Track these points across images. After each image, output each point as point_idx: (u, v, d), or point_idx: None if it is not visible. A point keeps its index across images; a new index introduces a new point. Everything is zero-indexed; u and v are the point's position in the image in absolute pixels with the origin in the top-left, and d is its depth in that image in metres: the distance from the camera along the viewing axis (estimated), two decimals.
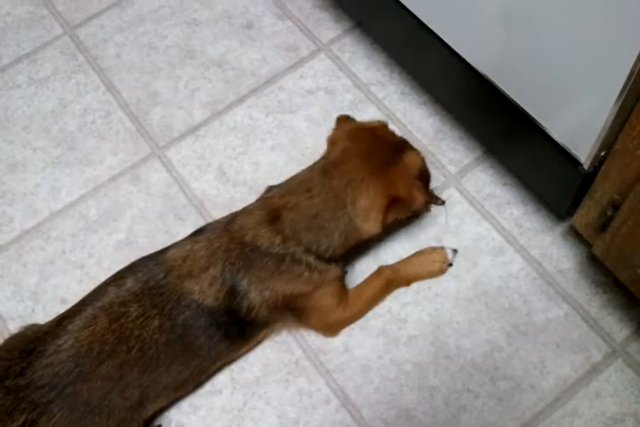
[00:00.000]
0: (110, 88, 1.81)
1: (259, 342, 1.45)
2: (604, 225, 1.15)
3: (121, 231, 1.63)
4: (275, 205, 1.20)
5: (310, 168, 1.24)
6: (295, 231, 1.18)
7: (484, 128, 1.43)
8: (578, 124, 1.09)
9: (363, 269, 1.50)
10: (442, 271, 1.45)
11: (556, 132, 1.14)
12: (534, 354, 1.37)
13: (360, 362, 1.42)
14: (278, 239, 1.18)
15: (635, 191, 1.01)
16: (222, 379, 1.45)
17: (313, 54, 1.79)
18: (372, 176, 1.19)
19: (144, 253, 1.46)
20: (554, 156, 1.17)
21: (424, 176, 1.26)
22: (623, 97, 0.95)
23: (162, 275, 1.25)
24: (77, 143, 1.75)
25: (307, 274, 1.26)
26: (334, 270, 1.30)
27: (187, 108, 1.76)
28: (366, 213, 1.19)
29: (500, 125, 1.33)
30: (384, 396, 1.39)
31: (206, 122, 1.73)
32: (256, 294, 1.24)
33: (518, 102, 1.18)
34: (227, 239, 1.20)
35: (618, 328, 1.37)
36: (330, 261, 1.28)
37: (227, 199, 1.63)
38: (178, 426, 1.41)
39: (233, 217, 1.31)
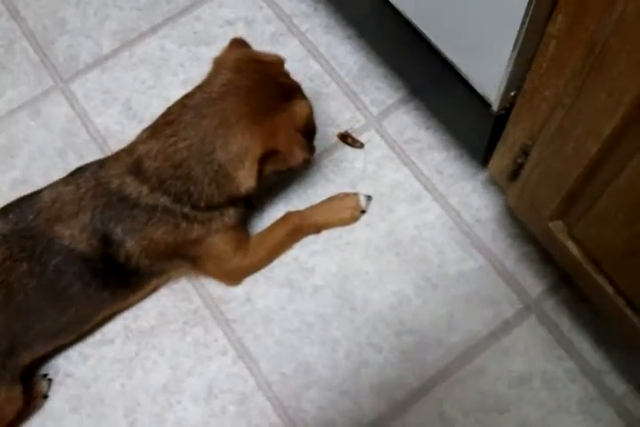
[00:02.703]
0: (15, 15, 1.66)
1: (152, 291, 1.35)
2: (515, 173, 1.07)
3: (17, 169, 1.51)
4: (138, 153, 1.09)
5: (183, 101, 1.10)
6: (161, 181, 1.08)
7: (404, 67, 1.32)
8: (485, 63, 1.01)
9: (271, 214, 1.40)
10: (354, 219, 1.36)
11: (467, 72, 1.05)
12: (443, 308, 1.29)
13: (262, 313, 1.33)
14: (145, 189, 1.08)
15: (543, 135, 0.92)
16: (114, 327, 1.35)
17: None
18: (249, 120, 1.05)
19: None
20: (467, 97, 1.09)
21: (309, 130, 1.14)
22: (523, 32, 0.87)
23: (31, 217, 1.14)
24: None
25: (184, 224, 1.15)
26: (222, 218, 1.19)
27: (95, 37, 1.62)
28: (239, 161, 1.06)
29: (417, 64, 1.23)
30: (284, 348, 1.31)
31: (115, 53, 1.60)
32: (132, 243, 1.14)
33: (430, 38, 1.08)
34: (93, 185, 1.11)
35: (533, 283, 1.29)
36: (213, 208, 1.17)
37: (131, 136, 1.47)
38: (66, 375, 1.32)
39: (104, 160, 1.20)
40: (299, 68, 1.50)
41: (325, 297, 1.31)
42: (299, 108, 1.12)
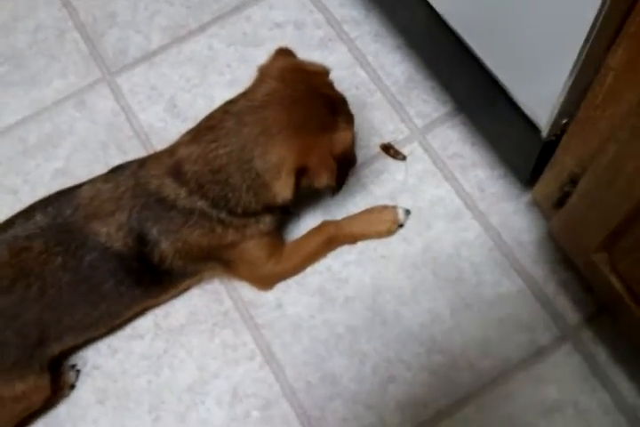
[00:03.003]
0: (67, 4, 1.67)
1: (184, 290, 1.35)
2: (560, 201, 1.04)
3: (59, 159, 1.52)
4: (179, 155, 1.09)
5: (226, 107, 1.09)
6: (199, 185, 1.07)
7: (453, 82, 1.30)
8: (538, 88, 0.98)
9: (308, 222, 1.39)
10: (390, 232, 1.35)
11: (517, 95, 1.03)
12: (477, 330, 1.27)
13: (291, 320, 1.33)
14: (183, 193, 1.08)
15: (593, 167, 0.90)
16: (145, 323, 1.36)
17: None
18: (290, 131, 1.05)
19: None
20: (515, 119, 1.06)
21: (344, 160, 1.12)
22: (581, 61, 0.85)
23: (69, 212, 1.15)
24: (26, 61, 1.62)
25: (220, 229, 1.15)
26: (258, 225, 1.18)
27: (144, 32, 1.62)
28: (276, 171, 1.06)
29: (466, 80, 1.20)
30: (311, 357, 1.30)
31: (163, 49, 1.60)
32: (167, 244, 1.14)
33: (482, 58, 1.06)
34: (132, 184, 1.11)
35: (572, 311, 1.26)
36: (249, 215, 1.17)
37: (174, 134, 1.48)
38: (93, 367, 1.33)
39: (145, 159, 1.20)
40: (345, 75, 1.49)
41: (356, 309, 1.30)
42: (341, 136, 1.11)
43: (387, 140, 1.42)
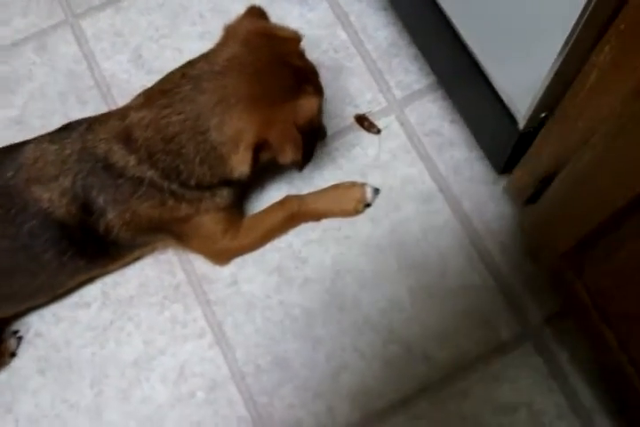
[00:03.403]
0: None
1: (135, 259, 1.28)
2: (534, 197, 0.97)
3: (14, 107, 1.43)
4: (129, 120, 1.01)
5: (185, 70, 1.01)
6: (150, 154, 1.00)
7: (434, 54, 1.20)
8: (518, 77, 0.90)
9: (271, 194, 1.31)
10: (357, 211, 1.27)
11: (497, 82, 0.95)
12: (437, 321, 1.21)
13: (246, 298, 1.27)
14: (132, 160, 1.01)
15: (568, 170, 0.82)
16: (92, 292, 1.29)
17: None
18: (249, 103, 0.97)
19: (34, 135, 1.27)
20: (493, 106, 0.98)
21: (311, 130, 1.03)
22: (565, 53, 0.77)
23: (11, 173, 1.07)
24: None
25: (171, 202, 1.07)
26: (214, 199, 1.11)
27: None
28: (233, 145, 0.99)
29: (447, 56, 1.10)
30: (263, 339, 1.24)
31: None
32: (114, 214, 1.06)
33: (464, 37, 0.97)
34: (79, 147, 1.03)
35: (536, 309, 1.20)
36: (204, 188, 1.10)
37: (137, 87, 1.38)
38: (36, 334, 1.27)
39: (94, 120, 1.12)
40: (324, 35, 1.38)
41: (314, 291, 1.24)
42: (305, 104, 1.01)
43: (362, 110, 1.33)
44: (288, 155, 1.01)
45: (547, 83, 0.82)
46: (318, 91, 1.06)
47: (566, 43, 0.75)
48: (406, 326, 1.20)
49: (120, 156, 1.04)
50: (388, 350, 1.19)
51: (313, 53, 1.33)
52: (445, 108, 1.29)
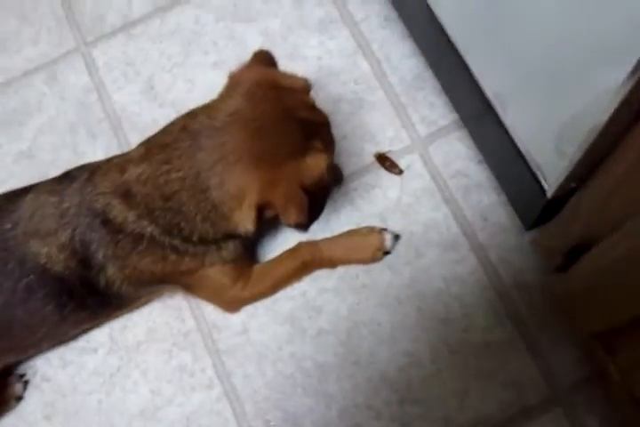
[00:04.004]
0: None
1: (143, 305, 1.23)
2: (565, 265, 0.88)
3: (24, 140, 1.39)
4: (127, 174, 0.96)
5: (185, 122, 0.95)
6: (149, 210, 0.95)
7: (456, 94, 1.11)
8: (544, 142, 0.80)
9: (285, 239, 1.24)
10: (374, 259, 1.19)
11: (521, 141, 0.86)
12: (459, 380, 1.13)
13: (256, 348, 1.20)
14: (132, 216, 0.96)
15: (599, 251, 0.73)
16: (100, 337, 1.24)
17: None
18: (250, 161, 0.91)
19: (43, 169, 1.29)
20: (519, 164, 0.89)
21: (317, 190, 0.94)
22: (605, 123, 0.67)
23: (9, 226, 1.02)
24: None
25: (173, 257, 1.01)
26: (220, 253, 1.04)
27: None
28: (236, 203, 0.94)
29: (469, 100, 1.02)
30: (274, 393, 1.18)
31: (145, 18, 1.42)
32: (114, 270, 1.01)
33: (483, 86, 0.87)
34: (78, 201, 0.99)
35: (567, 371, 1.10)
36: (208, 243, 1.04)
37: (149, 121, 1.36)
38: (43, 379, 1.23)
39: (95, 171, 1.06)
40: (344, 66, 1.29)
41: (328, 344, 1.17)
42: (312, 162, 0.93)
43: (383, 148, 1.24)
44: (292, 218, 0.93)
45: (580, 154, 0.72)
46: (329, 145, 0.98)
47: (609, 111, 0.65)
48: (425, 385, 1.12)
49: (119, 211, 0.99)
50: (405, 410, 1.12)
51: (332, 85, 1.25)
52: (473, 148, 1.20)
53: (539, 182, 0.85)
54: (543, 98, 0.79)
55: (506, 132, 0.91)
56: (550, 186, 0.82)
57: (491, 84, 0.88)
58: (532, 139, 0.87)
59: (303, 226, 0.96)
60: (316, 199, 0.94)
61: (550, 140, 0.80)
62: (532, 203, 0.92)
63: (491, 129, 0.94)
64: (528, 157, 0.88)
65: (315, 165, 0.92)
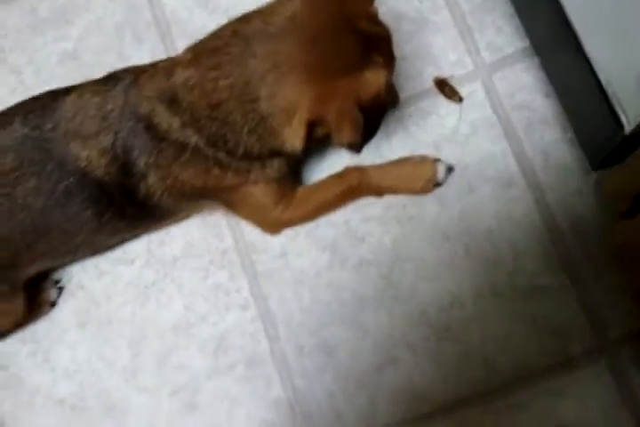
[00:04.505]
0: None
1: (182, 219, 1.20)
2: (632, 211, 0.81)
3: (70, 40, 1.33)
4: (174, 79, 0.93)
5: (237, 26, 0.90)
6: (195, 118, 0.91)
7: (532, 18, 1.02)
8: (627, 67, 0.73)
9: (333, 163, 1.19)
10: (425, 191, 1.13)
11: (601, 67, 0.79)
12: (501, 324, 1.09)
13: (294, 273, 1.17)
14: (176, 123, 0.93)
15: None
16: (137, 248, 1.22)
17: None
18: (305, 73, 0.85)
19: (87, 72, 1.17)
20: (595, 95, 0.82)
21: (376, 107, 0.89)
22: None
23: (50, 125, 0.99)
24: None
25: (217, 171, 0.98)
26: (264, 170, 1.00)
27: None
28: (285, 118, 0.89)
29: (547, 25, 0.93)
30: (309, 320, 1.15)
31: None
32: (155, 179, 0.98)
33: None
34: (121, 103, 0.96)
35: (617, 322, 1.05)
36: (253, 158, 0.99)
37: (198, 27, 1.29)
38: (77, 286, 1.22)
39: (140, 73, 1.00)
40: None
41: (369, 275, 1.13)
42: (370, 78, 0.87)
43: (444, 73, 1.16)
44: (345, 136, 0.88)
45: None
46: (389, 61, 0.91)
47: None
48: (465, 326, 1.09)
49: (163, 117, 0.95)
50: (442, 348, 1.09)
51: (395, 1, 1.16)
52: (541, 80, 1.11)
53: (616, 116, 0.78)
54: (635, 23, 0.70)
55: (587, 60, 0.83)
56: (630, 120, 0.75)
57: (576, 3, 0.79)
58: (615, 69, 0.79)
59: (356, 146, 0.90)
60: (371, 118, 0.88)
61: (635, 71, 0.72)
62: (604, 140, 0.85)
63: (568, 58, 0.86)
64: (608, 89, 0.80)
65: (373, 80, 0.86)
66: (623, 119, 0.78)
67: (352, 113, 0.86)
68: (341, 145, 0.90)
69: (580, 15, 0.81)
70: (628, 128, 0.77)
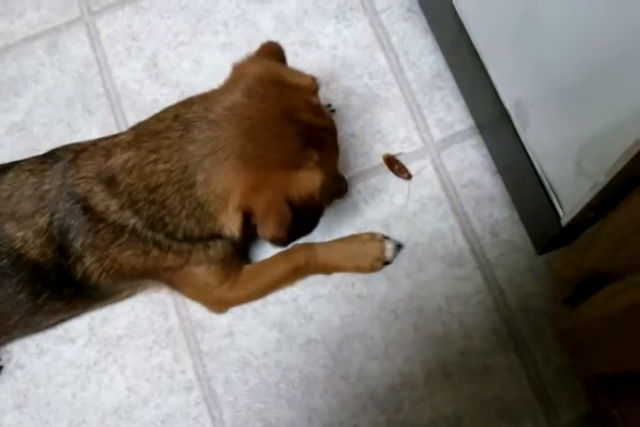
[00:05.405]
0: None
1: (125, 298, 1.18)
2: (574, 299, 0.81)
3: (19, 111, 1.32)
4: (113, 160, 0.91)
5: (179, 110, 0.89)
6: (133, 201, 0.89)
7: (474, 100, 1.03)
8: (564, 169, 0.73)
9: None
10: (373, 269, 1.11)
11: (538, 163, 0.78)
12: (452, 405, 1.06)
13: (241, 353, 1.14)
14: (114, 205, 0.91)
15: (614, 289, 0.66)
16: (79, 327, 1.18)
17: None
18: (240, 161, 0.83)
19: (35, 143, 1.27)
20: (535, 187, 0.81)
21: (308, 206, 0.86)
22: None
23: None
24: None
25: (156, 252, 0.95)
26: (207, 251, 0.98)
27: None
28: (222, 204, 0.87)
29: (490, 114, 0.94)
30: (255, 402, 1.11)
31: None
32: (92, 260, 0.96)
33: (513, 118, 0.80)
34: (59, 184, 0.94)
35: (567, 405, 1.03)
36: (194, 241, 0.98)
37: (148, 101, 1.29)
38: (17, 366, 1.17)
39: (79, 153, 0.99)
40: (360, 57, 1.21)
41: (317, 355, 1.10)
42: (303, 179, 0.85)
43: (393, 150, 1.16)
44: (268, 230, 0.86)
45: (604, 180, 0.64)
46: (330, 155, 0.90)
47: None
48: (416, 408, 1.05)
49: (101, 198, 0.93)
50: None
51: (345, 78, 1.18)
52: (489, 157, 1.12)
53: (553, 207, 0.77)
54: (569, 111, 0.71)
55: (522, 145, 0.83)
56: (566, 213, 0.74)
57: (510, 91, 0.80)
58: (550, 157, 0.79)
59: (280, 241, 0.89)
60: (304, 215, 0.86)
61: (571, 161, 0.72)
62: (545, 227, 0.84)
63: (506, 141, 0.87)
64: (544, 178, 0.80)
65: (307, 180, 0.84)
66: (560, 211, 0.77)
67: (279, 208, 0.83)
68: (264, 238, 0.88)
69: (513, 98, 0.81)
70: (564, 221, 0.77)
